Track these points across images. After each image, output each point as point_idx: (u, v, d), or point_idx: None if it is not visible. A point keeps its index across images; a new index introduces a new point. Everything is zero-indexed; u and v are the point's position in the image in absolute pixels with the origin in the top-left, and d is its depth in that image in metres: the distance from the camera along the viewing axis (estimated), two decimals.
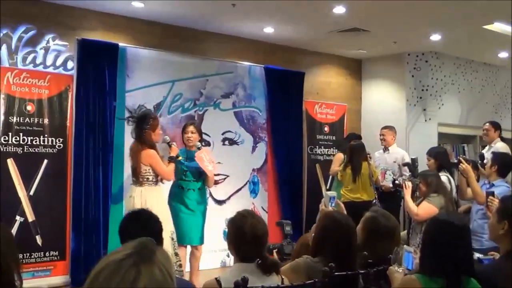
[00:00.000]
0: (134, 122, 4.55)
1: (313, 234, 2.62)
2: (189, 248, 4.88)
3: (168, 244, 4.17)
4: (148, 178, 4.46)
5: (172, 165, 4.59)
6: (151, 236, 1.26)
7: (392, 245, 2.56)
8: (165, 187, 5.07)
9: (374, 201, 5.60)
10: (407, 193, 4.37)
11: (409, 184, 4.41)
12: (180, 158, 4.73)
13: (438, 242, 2.02)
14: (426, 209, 4.17)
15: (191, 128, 4.91)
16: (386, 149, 6.25)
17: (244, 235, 2.31)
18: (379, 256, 2.52)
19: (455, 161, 4.46)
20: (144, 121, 4.47)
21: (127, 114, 5.09)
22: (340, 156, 6.00)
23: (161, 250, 1.05)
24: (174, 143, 4.78)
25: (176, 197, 4.85)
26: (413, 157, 5.21)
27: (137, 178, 4.45)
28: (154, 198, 4.39)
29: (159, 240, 2.28)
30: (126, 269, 0.97)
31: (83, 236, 4.99)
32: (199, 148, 4.83)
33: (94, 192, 5.06)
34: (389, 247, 2.52)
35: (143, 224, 2.26)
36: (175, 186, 4.90)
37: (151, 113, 4.62)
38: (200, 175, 4.85)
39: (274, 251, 2.94)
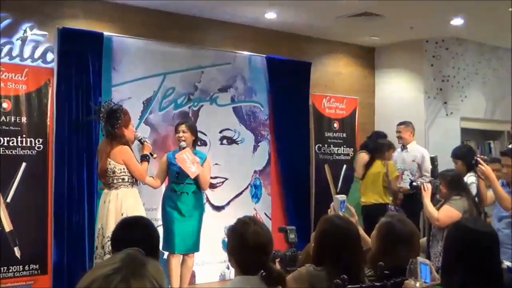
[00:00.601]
0: (103, 118, 4.54)
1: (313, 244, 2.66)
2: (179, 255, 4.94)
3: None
4: (123, 179, 4.47)
5: (146, 165, 4.60)
6: (147, 247, 1.31)
7: (411, 253, 2.56)
8: (159, 191, 5.14)
9: (390, 205, 5.67)
10: (426, 196, 4.37)
11: (428, 186, 4.41)
12: (155, 156, 4.76)
13: (462, 251, 2.01)
14: (448, 213, 4.17)
15: (182, 127, 4.96)
16: (403, 147, 6.30)
17: (246, 244, 2.32)
18: (397, 266, 2.52)
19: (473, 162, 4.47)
20: (114, 116, 4.47)
21: (129, 108, 4.90)
22: (364, 157, 6.07)
23: (152, 262, 1.09)
24: (146, 139, 4.81)
25: (169, 202, 4.92)
26: (432, 155, 5.26)
27: (109, 180, 4.45)
28: (130, 202, 4.42)
29: (157, 251, 2.31)
30: (115, 285, 1.00)
31: (66, 247, 5.02)
32: (184, 148, 4.87)
33: (78, 198, 5.10)
34: (407, 256, 2.51)
35: (140, 234, 2.27)
36: (168, 190, 4.96)
37: (121, 107, 4.61)
38: (195, 177, 4.90)
39: (276, 260, 2.97)
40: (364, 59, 7.81)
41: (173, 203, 4.90)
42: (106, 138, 4.55)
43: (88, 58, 5.23)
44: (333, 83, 7.47)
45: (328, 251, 2.51)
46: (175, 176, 4.92)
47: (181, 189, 4.90)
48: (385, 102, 7.78)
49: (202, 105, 6.05)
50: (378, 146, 5.97)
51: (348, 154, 7.23)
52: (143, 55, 5.68)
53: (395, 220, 2.78)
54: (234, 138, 6.28)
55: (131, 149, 4.56)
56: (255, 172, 6.41)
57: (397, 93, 7.65)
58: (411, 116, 6.83)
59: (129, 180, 4.49)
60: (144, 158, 4.60)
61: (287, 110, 6.56)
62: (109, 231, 4.04)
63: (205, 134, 6.01)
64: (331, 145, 7.11)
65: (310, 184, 6.81)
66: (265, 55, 6.49)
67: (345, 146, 7.20)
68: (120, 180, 4.46)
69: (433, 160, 5.10)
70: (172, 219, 4.86)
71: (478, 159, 4.38)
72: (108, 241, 4.05)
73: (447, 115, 7.35)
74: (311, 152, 6.89)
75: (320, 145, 7.02)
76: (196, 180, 4.93)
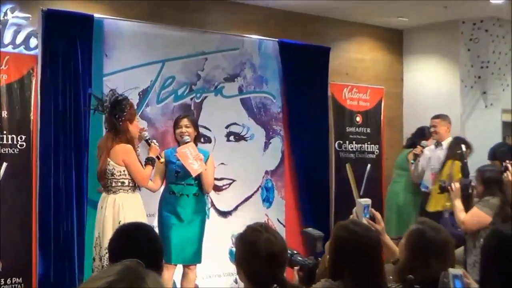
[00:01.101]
0: (107, 108, 4.54)
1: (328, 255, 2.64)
2: (180, 268, 4.91)
3: None
4: (123, 183, 4.47)
5: (150, 169, 4.61)
6: (149, 258, 1.26)
7: (444, 265, 2.54)
8: (157, 195, 5.09)
9: (445, 212, 5.51)
10: (454, 196, 4.41)
11: (456, 186, 4.42)
12: (162, 160, 4.75)
13: (502, 262, 2.00)
14: (474, 216, 4.19)
15: (185, 121, 4.95)
16: (438, 144, 6.28)
17: (257, 254, 2.33)
18: (428, 280, 2.50)
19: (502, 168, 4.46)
20: (119, 108, 4.48)
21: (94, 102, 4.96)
22: None
23: (152, 276, 1.07)
24: (154, 140, 4.81)
25: (166, 205, 4.90)
26: (459, 150, 5.21)
27: (107, 182, 4.46)
28: (129, 209, 4.40)
29: (160, 264, 2.30)
30: None
31: (53, 257, 5.01)
32: (186, 143, 4.86)
33: (66, 202, 5.09)
34: (440, 268, 2.49)
35: (141, 242, 2.28)
36: (166, 191, 4.95)
37: (127, 99, 4.63)
38: (196, 177, 4.87)
39: (296, 268, 2.92)
40: (391, 43, 7.80)
41: (172, 206, 4.87)
42: (108, 133, 4.56)
43: (77, 43, 5.20)
44: (355, 71, 7.45)
45: (345, 263, 2.48)
46: (174, 175, 4.89)
47: (181, 191, 4.86)
48: (415, 92, 7.77)
49: (205, 97, 6.02)
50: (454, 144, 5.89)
51: (372, 152, 7.22)
52: (139, 40, 5.66)
53: (426, 227, 2.76)
54: (242, 134, 6.25)
55: (135, 149, 4.53)
56: (266, 172, 6.39)
57: (429, 82, 7.63)
58: (445, 108, 6.81)
59: (130, 184, 4.48)
60: (149, 161, 4.60)
61: (303, 101, 6.52)
62: (106, 241, 4.03)
63: (209, 130, 6.00)
64: (353, 142, 7.09)
65: (330, 187, 6.78)
66: (277, 39, 6.45)
67: (369, 142, 7.18)
68: (120, 184, 4.46)
69: (462, 156, 5.05)
70: (169, 225, 4.83)
71: (508, 165, 4.35)
72: (107, 252, 4.06)
73: (486, 106, 7.34)
74: (331, 150, 6.87)
75: (341, 141, 6.99)
76: (198, 181, 4.90)
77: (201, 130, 5.83)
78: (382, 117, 7.31)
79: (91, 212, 5.20)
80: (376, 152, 7.20)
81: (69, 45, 5.17)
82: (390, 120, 7.54)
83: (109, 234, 4.06)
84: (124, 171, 4.44)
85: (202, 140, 5.68)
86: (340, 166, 6.93)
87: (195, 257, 4.92)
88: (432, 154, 6.26)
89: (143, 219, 4.46)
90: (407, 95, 7.86)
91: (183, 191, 4.86)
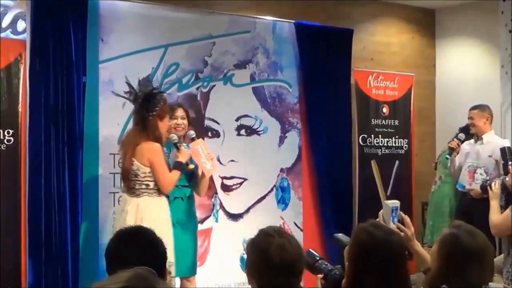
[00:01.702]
0: (138, 99, 4.63)
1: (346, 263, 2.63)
2: (177, 280, 4.93)
3: None
4: (148, 185, 4.53)
5: (177, 174, 4.63)
6: (152, 264, 1.29)
7: (482, 274, 2.54)
8: None
9: None
10: (493, 197, 4.40)
11: (496, 185, 4.43)
12: (192, 166, 4.77)
13: None
14: (505, 218, 4.17)
15: (180, 111, 4.99)
16: (477, 138, 6.30)
17: (269, 261, 2.33)
18: None
19: None
20: (152, 102, 4.58)
21: (125, 89, 4.99)
22: None
23: (162, 283, 1.12)
24: (184, 144, 4.85)
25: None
26: (502, 146, 5.20)
27: (130, 184, 4.51)
28: (153, 215, 4.45)
29: (163, 271, 2.31)
30: None
31: (44, 266, 5.04)
32: (192, 139, 4.89)
33: (58, 204, 5.11)
34: (477, 277, 2.49)
35: (142, 247, 2.31)
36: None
37: (163, 94, 4.72)
38: (191, 178, 4.91)
39: (319, 276, 2.94)
40: (422, 25, 7.79)
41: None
42: (134, 128, 4.63)
43: (69, 27, 5.22)
44: (381, 56, 7.46)
45: (365, 271, 2.49)
46: None
47: (174, 194, 4.85)
48: (449, 80, 7.76)
49: (213, 86, 6.04)
50: None
51: (401, 147, 7.23)
52: (139, 22, 5.69)
53: (461, 232, 2.73)
54: (255, 127, 6.27)
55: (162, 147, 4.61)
56: (281, 170, 6.40)
57: (465, 69, 7.62)
58: (483, 97, 6.79)
59: (155, 187, 4.55)
60: (178, 166, 4.64)
61: (323, 91, 6.54)
62: None
63: (218, 123, 6.02)
64: (380, 136, 7.10)
65: (353, 186, 6.80)
66: (293, 21, 6.46)
67: (397, 136, 7.19)
68: (144, 186, 4.55)
69: (504, 152, 5.04)
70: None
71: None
72: None
73: None
74: (354, 145, 6.89)
75: (365, 135, 7.01)
76: (192, 182, 4.92)
77: (209, 123, 5.89)
78: (412, 108, 7.31)
79: (87, 216, 5.27)
80: (405, 147, 7.21)
81: (61, 28, 5.19)
82: (421, 111, 7.54)
83: None
84: (149, 172, 4.50)
85: (209, 134, 5.74)
86: (365, 163, 6.94)
87: (193, 267, 4.96)
88: (471, 149, 6.27)
89: (168, 226, 4.53)
90: (440, 83, 7.85)
91: (176, 193, 4.85)
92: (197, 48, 5.96)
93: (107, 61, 5.50)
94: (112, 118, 5.46)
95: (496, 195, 4.41)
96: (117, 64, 5.54)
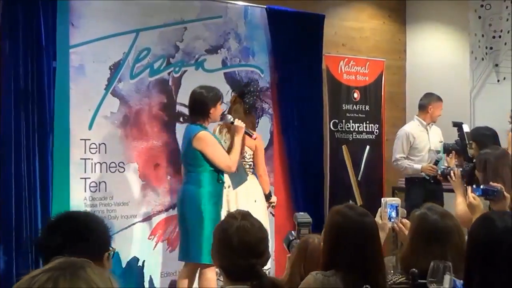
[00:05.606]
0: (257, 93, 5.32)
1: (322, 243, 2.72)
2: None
3: None
4: (250, 165, 5.48)
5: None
6: (81, 252, 1.33)
7: (445, 254, 2.62)
8: None
9: None
10: (455, 186, 4.40)
11: (456, 172, 4.44)
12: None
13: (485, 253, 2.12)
14: (465, 210, 4.04)
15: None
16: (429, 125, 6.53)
17: (229, 243, 2.39)
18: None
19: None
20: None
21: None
22: None
23: (95, 267, 1.14)
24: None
25: (213, 198, 4.85)
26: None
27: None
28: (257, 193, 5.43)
29: (96, 256, 2.13)
30: (40, 285, 1.11)
31: (14, 254, 5.03)
32: (232, 122, 5.11)
33: (28, 193, 5.11)
34: (440, 257, 2.55)
35: (66, 236, 2.21)
36: (211, 180, 4.86)
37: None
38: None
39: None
40: (393, 10, 7.81)
41: (219, 198, 4.93)
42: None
43: (40, 11, 5.20)
44: (352, 41, 7.47)
45: (339, 250, 2.57)
46: None
47: (223, 179, 5.00)
48: (419, 65, 7.80)
49: (185, 71, 6.05)
50: None
51: (372, 132, 7.26)
52: (109, 7, 5.66)
53: (431, 212, 2.85)
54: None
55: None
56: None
57: (435, 54, 7.66)
58: (453, 82, 6.92)
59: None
60: (249, 134, 5.13)
61: (294, 76, 6.57)
62: None
63: None
64: (351, 121, 7.13)
65: (324, 171, 6.83)
66: (265, 6, 6.47)
67: (368, 122, 7.22)
68: (248, 166, 5.38)
69: (462, 135, 5.09)
70: (218, 219, 4.60)
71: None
72: None
73: (498, 81, 7.32)
74: (325, 130, 6.92)
75: (337, 121, 7.03)
76: None
77: (180, 108, 5.90)
78: (382, 93, 7.34)
79: (57, 202, 5.26)
80: (376, 132, 7.25)
81: (31, 12, 5.16)
82: (392, 97, 7.59)
83: None
84: (251, 155, 5.53)
85: (181, 119, 5.78)
86: (336, 148, 6.96)
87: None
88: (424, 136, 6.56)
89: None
90: (410, 68, 7.88)
91: (223, 178, 4.98)
92: (169, 33, 5.96)
93: (77, 45, 5.48)
94: (83, 103, 5.46)
95: (457, 184, 4.40)
96: (88, 48, 5.53)
